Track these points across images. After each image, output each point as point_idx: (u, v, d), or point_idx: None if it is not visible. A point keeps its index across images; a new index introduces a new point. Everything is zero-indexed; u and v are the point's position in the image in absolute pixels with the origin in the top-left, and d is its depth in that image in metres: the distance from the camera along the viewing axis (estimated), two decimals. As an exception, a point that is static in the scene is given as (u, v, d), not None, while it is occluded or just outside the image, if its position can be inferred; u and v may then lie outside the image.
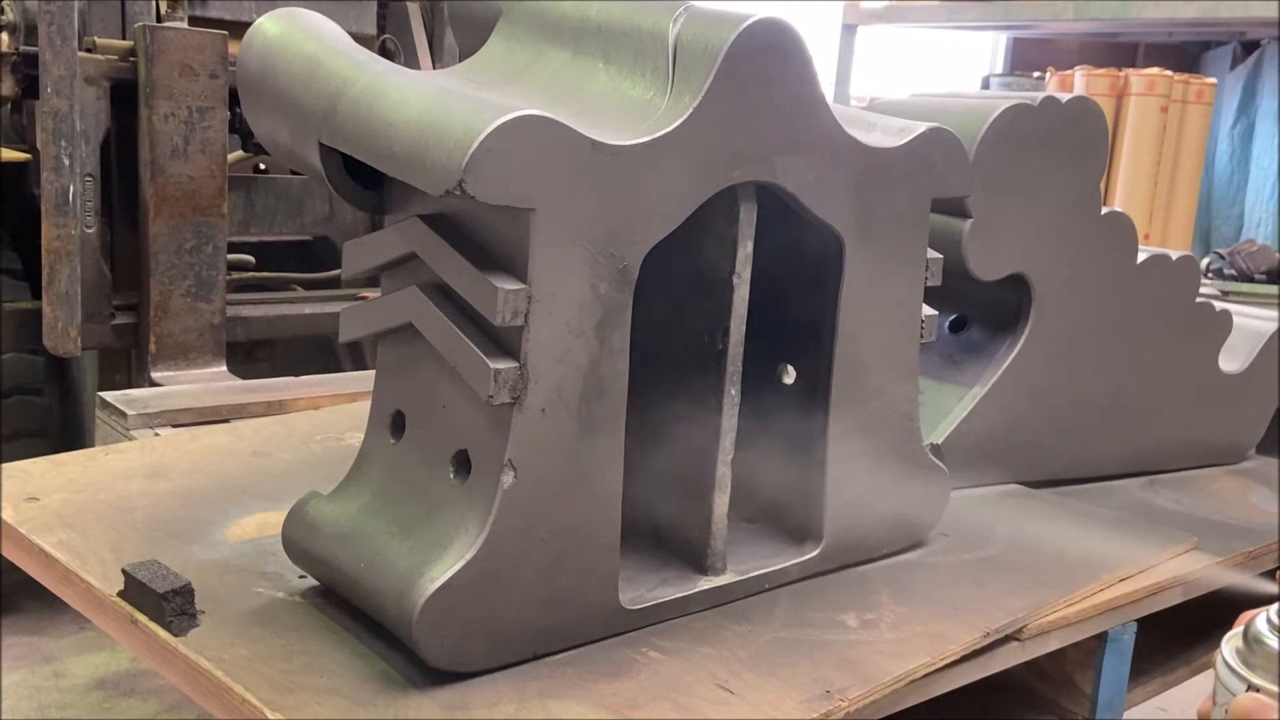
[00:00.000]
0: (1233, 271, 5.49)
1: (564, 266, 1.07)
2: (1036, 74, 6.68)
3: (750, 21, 1.14)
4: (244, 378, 2.52)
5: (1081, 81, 6.03)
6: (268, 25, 1.30)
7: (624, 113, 1.15)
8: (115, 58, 2.54)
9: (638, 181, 1.10)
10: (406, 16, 3.11)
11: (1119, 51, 7.73)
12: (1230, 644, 0.77)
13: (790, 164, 1.21)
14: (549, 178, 1.04)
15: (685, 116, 1.12)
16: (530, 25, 1.33)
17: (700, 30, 1.16)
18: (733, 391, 1.24)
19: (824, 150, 1.23)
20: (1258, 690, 0.72)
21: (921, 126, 1.33)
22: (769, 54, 1.16)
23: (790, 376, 1.39)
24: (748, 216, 1.21)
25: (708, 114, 1.13)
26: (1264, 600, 0.78)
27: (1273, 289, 5.31)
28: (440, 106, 1.07)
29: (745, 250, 1.22)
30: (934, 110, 1.59)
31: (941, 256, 1.39)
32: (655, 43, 1.18)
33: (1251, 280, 5.40)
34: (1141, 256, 1.79)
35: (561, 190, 1.05)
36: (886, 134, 1.32)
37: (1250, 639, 0.75)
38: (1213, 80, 6.22)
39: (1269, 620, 0.75)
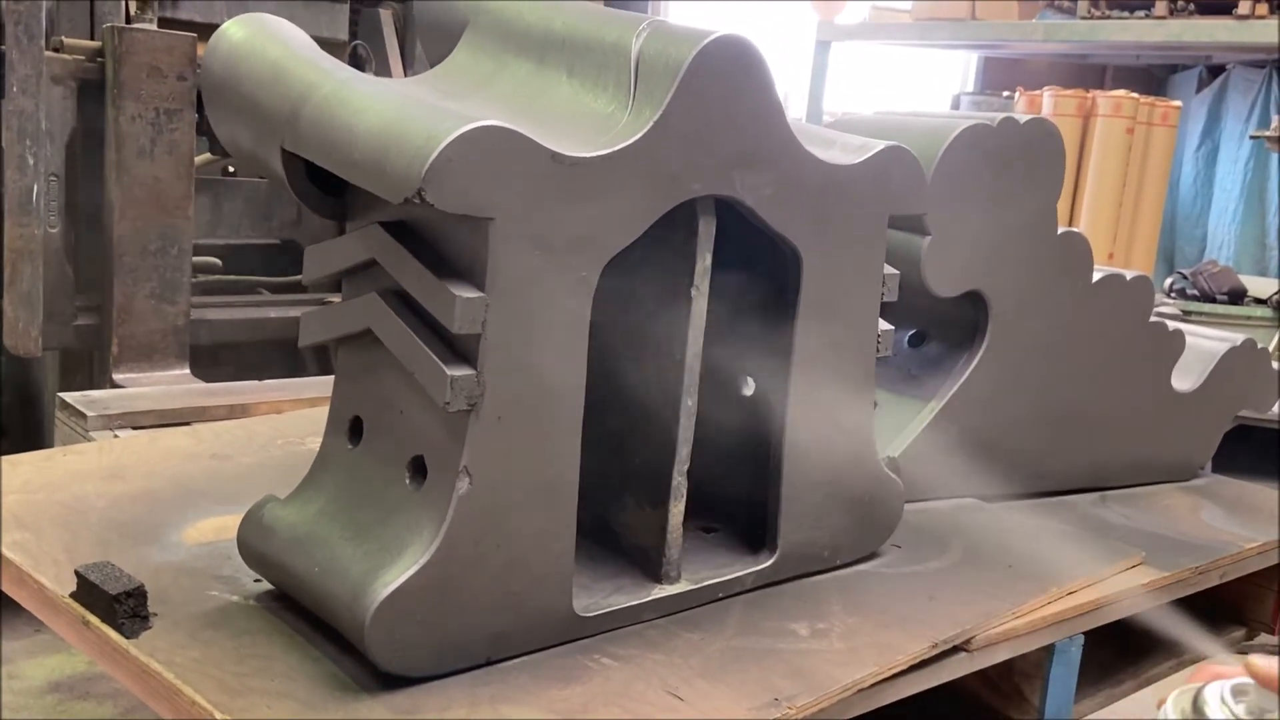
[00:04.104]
0: (1195, 292, 5.59)
1: (522, 276, 1.08)
2: (1006, 93, 6.77)
3: (711, 38, 1.16)
4: (207, 381, 2.51)
5: (1050, 101, 6.11)
6: (233, 30, 1.31)
7: (586, 125, 1.17)
8: (83, 58, 2.53)
9: (597, 193, 1.11)
10: (378, 22, 3.12)
11: (1087, 73, 7.84)
12: (1180, 699, 0.76)
13: (749, 178, 1.22)
14: (509, 188, 1.05)
15: (645, 130, 1.13)
16: (496, 36, 1.35)
17: (662, 46, 1.17)
18: (689, 402, 1.26)
19: (782, 166, 1.25)
20: None
21: (880, 145, 1.35)
22: (729, 71, 1.18)
23: (749, 388, 1.40)
24: (706, 229, 1.22)
25: (668, 128, 1.14)
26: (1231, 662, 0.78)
27: (1234, 309, 5.41)
28: (402, 115, 1.08)
29: (704, 263, 1.23)
30: (896, 128, 1.62)
31: (898, 272, 1.41)
32: (618, 57, 1.20)
33: (1213, 301, 5.50)
34: (1097, 276, 1.83)
35: (521, 200, 1.06)
36: (845, 151, 1.35)
37: (1199, 704, 0.74)
38: (1178, 103, 6.32)
39: (1222, 695, 0.74)
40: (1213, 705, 0.73)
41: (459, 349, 1.08)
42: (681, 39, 1.17)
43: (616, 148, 1.12)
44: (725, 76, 1.17)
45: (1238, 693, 0.73)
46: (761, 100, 1.21)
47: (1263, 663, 0.73)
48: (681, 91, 1.14)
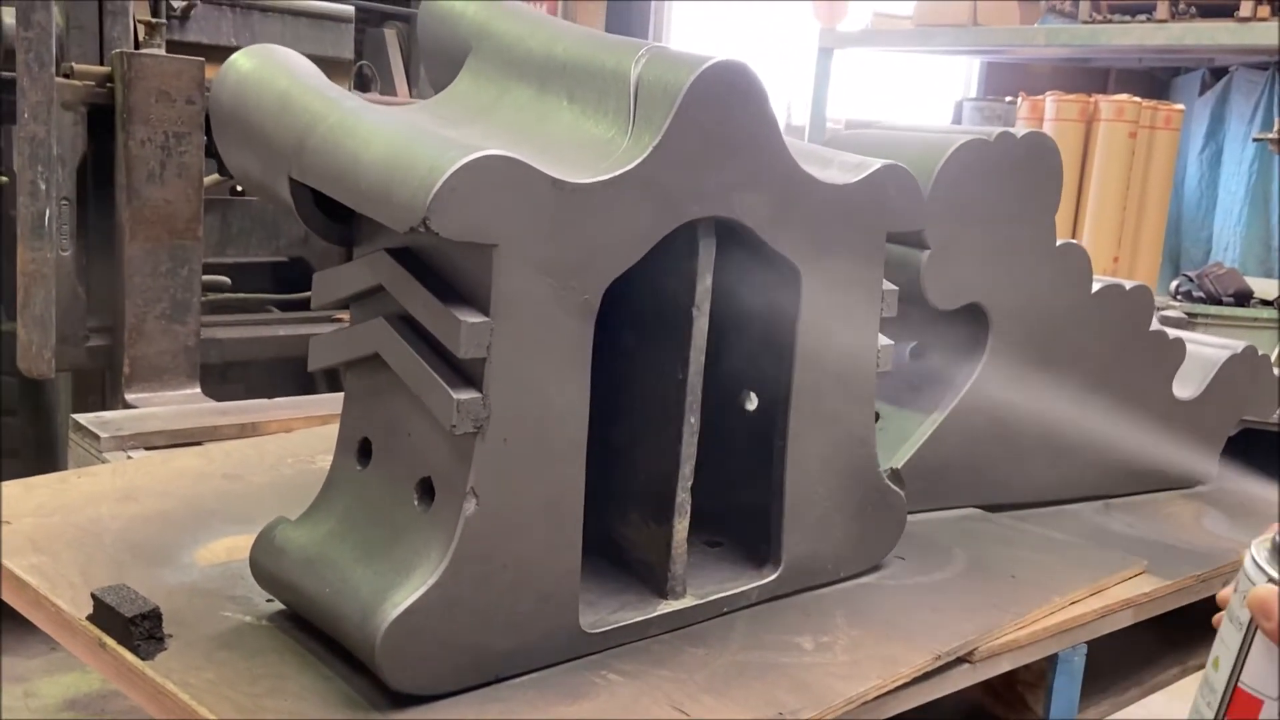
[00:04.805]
0: (1201, 294, 5.59)
1: (526, 300, 1.10)
2: (1009, 98, 6.79)
3: (709, 64, 1.18)
4: (218, 399, 2.54)
5: (1052, 107, 6.13)
6: (241, 61, 1.33)
7: (586, 151, 1.19)
8: (93, 83, 2.57)
9: (598, 218, 1.13)
10: (383, 42, 3.15)
11: (1090, 77, 7.86)
12: (1260, 546, 0.87)
13: (747, 200, 1.25)
14: (511, 215, 1.07)
15: (645, 155, 1.15)
16: (498, 62, 1.37)
17: (661, 71, 1.19)
18: (692, 420, 1.28)
19: (780, 187, 1.27)
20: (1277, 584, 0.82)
21: (877, 163, 1.37)
22: (727, 95, 1.20)
23: (752, 403, 1.42)
24: (706, 251, 1.24)
25: (667, 153, 1.16)
26: None
27: (1240, 311, 5.41)
28: (406, 144, 1.10)
29: (704, 283, 1.25)
30: (893, 144, 1.64)
31: (897, 288, 1.43)
32: (617, 83, 1.22)
33: (1219, 303, 5.50)
34: (1096, 286, 1.84)
35: (523, 227, 1.08)
36: (843, 170, 1.37)
37: (1278, 544, 0.84)
38: (1180, 107, 6.33)
39: None
40: None
41: (465, 373, 1.10)
42: (679, 65, 1.19)
43: (616, 173, 1.14)
44: (722, 101, 1.19)
45: None
46: (758, 123, 1.24)
47: None
48: (680, 116, 1.17)
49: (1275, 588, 0.82)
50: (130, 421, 2.04)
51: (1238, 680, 0.84)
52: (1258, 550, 0.86)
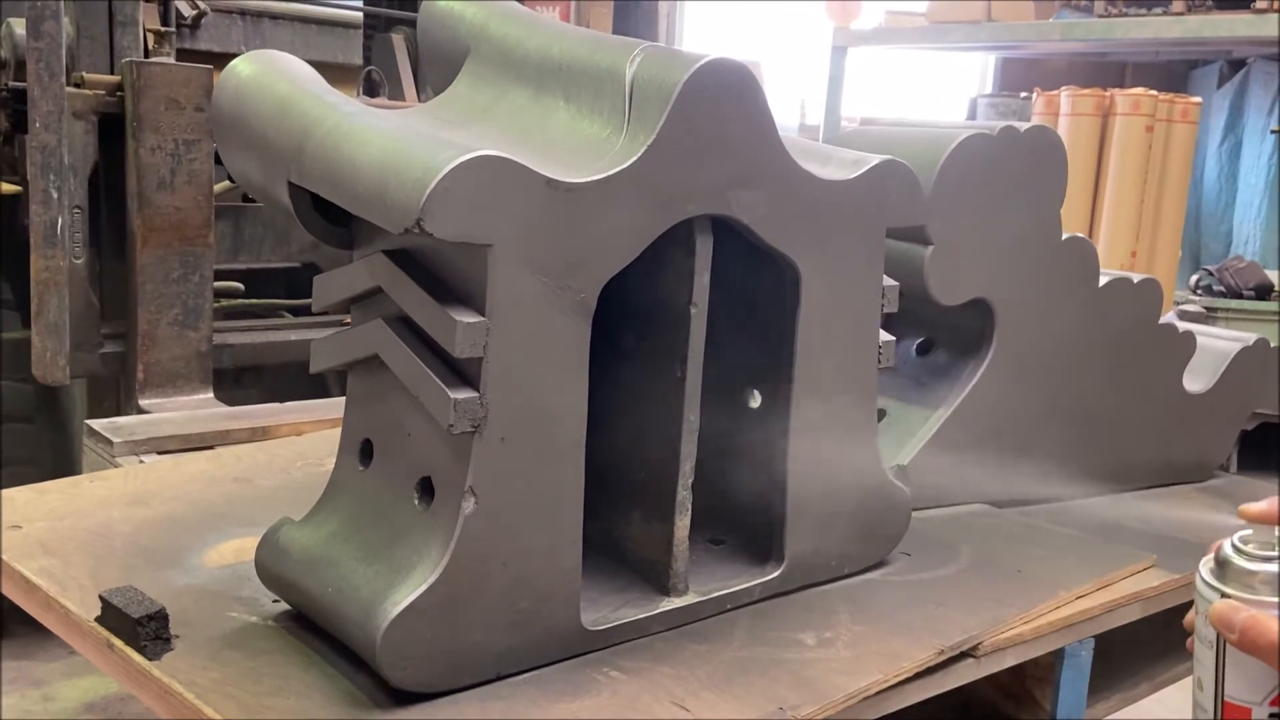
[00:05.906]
0: (1221, 288, 5.55)
1: (522, 299, 1.11)
2: (1024, 94, 6.75)
3: (702, 62, 1.18)
4: (231, 403, 2.56)
5: (1067, 101, 6.09)
6: (242, 67, 1.35)
7: (582, 150, 1.20)
8: (103, 92, 2.59)
9: (593, 217, 1.14)
10: (391, 47, 3.16)
11: (1106, 71, 7.81)
12: (1205, 566, 0.94)
13: (744, 197, 1.25)
14: (505, 215, 1.08)
15: (640, 154, 1.16)
16: (496, 64, 1.38)
17: (655, 71, 1.20)
18: (691, 417, 1.28)
19: (777, 184, 1.27)
20: (1230, 598, 0.89)
21: (875, 159, 1.37)
22: (721, 93, 1.20)
23: (756, 400, 1.42)
24: (703, 248, 1.25)
25: (661, 151, 1.17)
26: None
27: (1261, 305, 5.36)
28: (401, 147, 1.11)
29: (702, 281, 1.26)
30: (896, 140, 1.64)
31: (898, 284, 1.43)
32: (613, 82, 1.22)
33: (1240, 296, 5.46)
34: (1104, 280, 1.84)
35: (518, 227, 1.09)
36: (841, 166, 1.37)
37: (1220, 560, 0.91)
38: (1197, 100, 6.27)
39: (1233, 544, 0.92)
40: (1232, 554, 0.91)
41: (462, 372, 1.11)
42: (673, 64, 1.19)
43: (611, 172, 1.14)
44: (717, 100, 1.20)
45: (1244, 540, 0.91)
46: (754, 121, 1.24)
47: (1251, 505, 0.92)
48: (674, 115, 1.17)
49: (1229, 601, 0.88)
50: (143, 426, 2.07)
51: (1223, 695, 0.89)
52: (1204, 570, 0.93)
